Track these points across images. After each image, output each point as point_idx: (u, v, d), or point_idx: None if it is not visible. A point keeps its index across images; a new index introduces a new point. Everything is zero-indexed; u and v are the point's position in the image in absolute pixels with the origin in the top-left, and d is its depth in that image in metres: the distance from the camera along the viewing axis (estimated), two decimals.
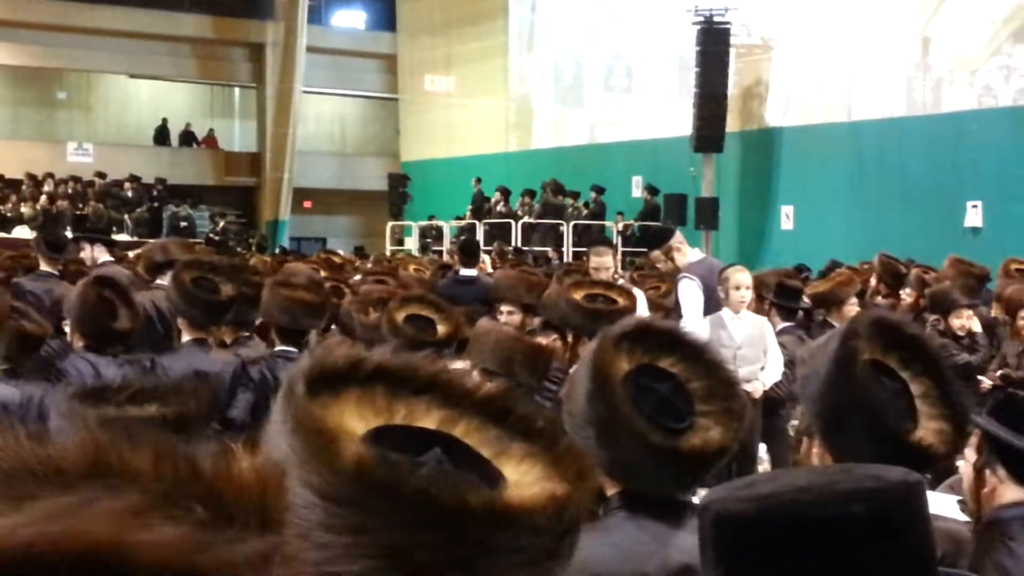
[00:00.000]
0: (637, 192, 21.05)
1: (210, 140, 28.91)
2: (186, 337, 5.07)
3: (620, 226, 20.00)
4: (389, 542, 1.01)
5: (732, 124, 19.24)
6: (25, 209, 22.46)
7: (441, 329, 4.84)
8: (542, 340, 4.96)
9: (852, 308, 7.24)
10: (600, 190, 20.23)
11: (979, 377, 6.73)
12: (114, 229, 19.01)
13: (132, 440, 0.73)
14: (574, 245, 19.26)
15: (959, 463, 2.51)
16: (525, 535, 1.05)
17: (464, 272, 8.14)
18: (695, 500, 2.14)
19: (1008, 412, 2.31)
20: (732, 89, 19.23)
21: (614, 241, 17.46)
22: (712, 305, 6.69)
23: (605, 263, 6.87)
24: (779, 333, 6.68)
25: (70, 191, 23.41)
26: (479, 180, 22.13)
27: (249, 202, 28.27)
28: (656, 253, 7.12)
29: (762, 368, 6.33)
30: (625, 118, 22.76)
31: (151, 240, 15.41)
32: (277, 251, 20.47)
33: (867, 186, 17.93)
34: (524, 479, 1.12)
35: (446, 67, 26.66)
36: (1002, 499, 2.29)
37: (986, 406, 2.41)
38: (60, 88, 28.99)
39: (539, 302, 6.11)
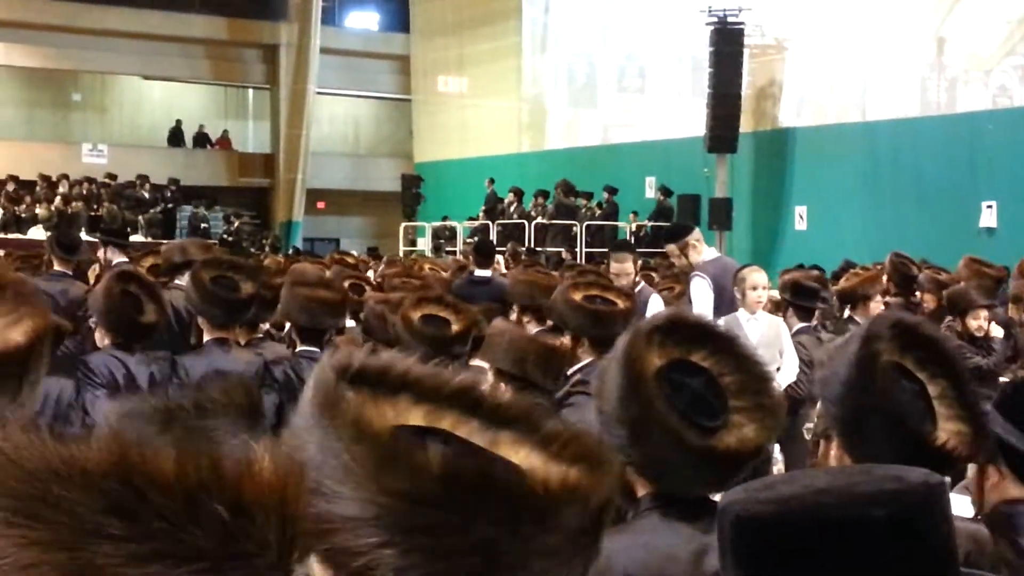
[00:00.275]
0: (650, 193, 21.02)
1: (224, 141, 28.98)
2: (207, 337, 5.06)
3: (633, 226, 19.97)
4: (484, 536, 1.00)
5: (746, 124, 19.22)
6: (40, 210, 22.51)
7: (456, 327, 4.84)
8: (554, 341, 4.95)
9: (877, 305, 7.24)
10: (613, 191, 20.18)
11: (1000, 379, 6.69)
12: (128, 230, 19.06)
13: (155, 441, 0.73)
14: (587, 246, 19.24)
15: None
16: (567, 516, 1.05)
17: (479, 273, 8.17)
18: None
19: (1013, 405, 2.29)
20: (746, 89, 19.22)
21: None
22: (724, 304, 6.65)
23: (626, 269, 6.80)
24: (796, 334, 6.67)
25: (84, 192, 23.48)
26: (492, 181, 22.10)
27: (263, 203, 28.33)
28: (671, 247, 7.10)
29: (778, 369, 6.31)
30: (638, 119, 22.75)
31: (165, 241, 15.43)
32: (291, 252, 20.50)
33: (881, 186, 17.87)
34: (532, 464, 1.10)
35: (459, 68, 26.68)
36: (1006, 495, 2.28)
37: (993, 399, 2.39)
38: (75, 90, 29.10)
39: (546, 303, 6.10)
